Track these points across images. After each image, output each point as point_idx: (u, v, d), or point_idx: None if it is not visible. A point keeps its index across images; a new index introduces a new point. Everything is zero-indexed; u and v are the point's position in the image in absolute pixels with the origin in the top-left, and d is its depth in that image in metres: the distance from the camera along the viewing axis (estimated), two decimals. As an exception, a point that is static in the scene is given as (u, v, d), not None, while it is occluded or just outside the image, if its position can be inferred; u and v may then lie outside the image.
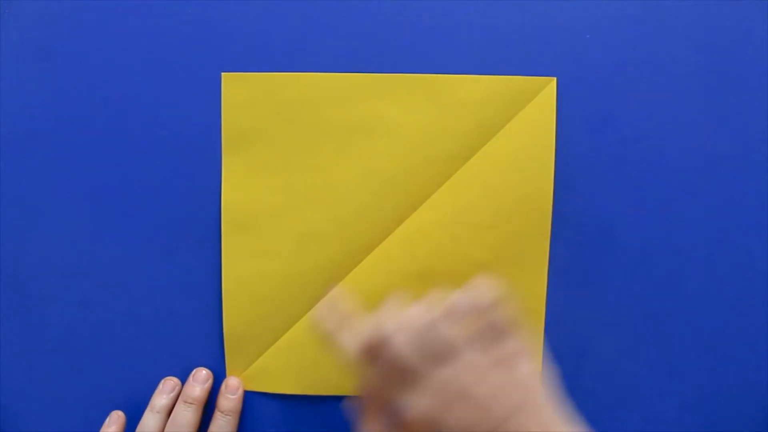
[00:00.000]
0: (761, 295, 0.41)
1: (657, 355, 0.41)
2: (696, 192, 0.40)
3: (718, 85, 0.40)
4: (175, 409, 0.40)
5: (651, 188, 0.40)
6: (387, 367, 0.30)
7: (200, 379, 0.41)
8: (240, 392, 0.41)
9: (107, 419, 0.41)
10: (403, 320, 0.31)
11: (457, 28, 0.40)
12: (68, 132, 0.42)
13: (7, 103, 0.42)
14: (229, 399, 0.40)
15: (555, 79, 0.39)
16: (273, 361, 0.41)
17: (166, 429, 0.39)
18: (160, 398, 0.40)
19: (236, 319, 0.41)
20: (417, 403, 0.30)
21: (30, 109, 0.42)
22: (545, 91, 0.39)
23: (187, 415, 0.39)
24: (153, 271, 0.42)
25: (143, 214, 0.42)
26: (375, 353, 0.31)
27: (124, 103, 0.41)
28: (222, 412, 0.40)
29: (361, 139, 0.40)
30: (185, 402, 0.40)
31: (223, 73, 0.40)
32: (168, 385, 0.41)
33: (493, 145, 0.39)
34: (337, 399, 0.41)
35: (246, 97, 0.40)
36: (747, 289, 0.41)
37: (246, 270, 0.41)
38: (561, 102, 0.40)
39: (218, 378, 0.42)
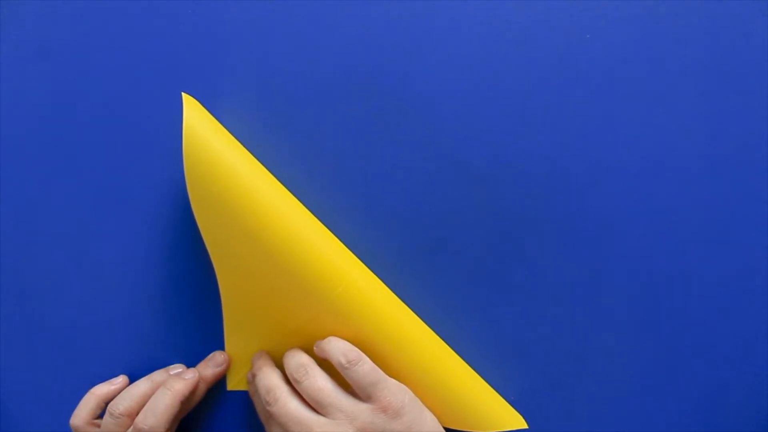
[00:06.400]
0: (761, 295, 0.41)
1: (657, 355, 0.41)
2: (696, 192, 0.41)
3: (718, 85, 0.40)
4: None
5: (651, 188, 0.41)
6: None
7: (215, 361, 0.41)
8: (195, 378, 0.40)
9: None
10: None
11: (456, 27, 0.40)
12: (68, 132, 0.42)
13: (7, 103, 0.42)
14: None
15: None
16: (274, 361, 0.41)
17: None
18: (162, 373, 0.40)
19: (236, 319, 0.41)
20: None
21: (30, 109, 0.42)
22: None
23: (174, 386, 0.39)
24: (153, 271, 0.42)
25: (143, 214, 0.42)
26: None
27: (124, 103, 0.41)
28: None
29: None
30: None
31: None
32: (175, 368, 0.41)
33: None
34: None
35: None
36: (747, 289, 0.41)
37: (243, 270, 0.40)
38: (561, 101, 0.40)
39: (219, 380, 0.42)
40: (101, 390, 0.40)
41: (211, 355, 0.41)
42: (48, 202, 0.42)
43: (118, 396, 0.39)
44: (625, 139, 0.40)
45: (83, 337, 0.42)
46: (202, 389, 0.40)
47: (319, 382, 0.37)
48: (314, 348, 0.39)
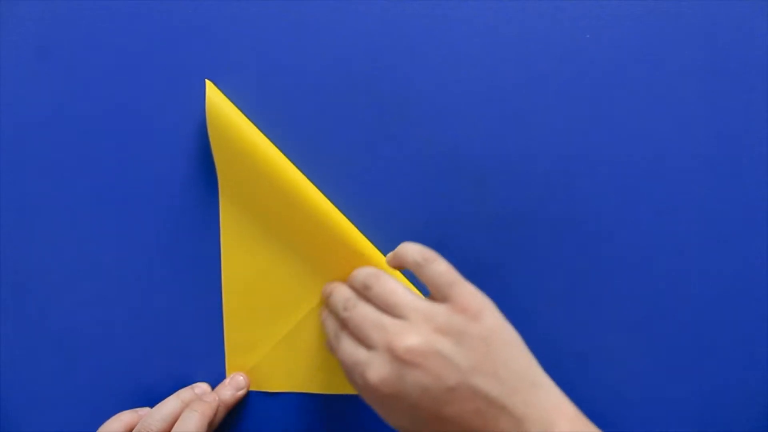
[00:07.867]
0: (761, 295, 0.41)
1: (657, 355, 0.41)
2: (695, 192, 0.41)
3: (718, 85, 0.40)
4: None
5: (651, 188, 0.41)
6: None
7: (236, 384, 0.41)
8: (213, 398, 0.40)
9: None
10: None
11: (456, 27, 0.40)
12: (68, 132, 0.42)
13: (6, 103, 0.42)
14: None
15: None
16: (274, 361, 0.41)
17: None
18: (189, 392, 0.40)
19: (236, 319, 0.41)
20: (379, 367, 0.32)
21: (29, 108, 0.42)
22: None
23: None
24: (153, 271, 0.42)
25: (143, 214, 0.42)
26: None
27: (123, 102, 0.41)
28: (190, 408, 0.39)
29: None
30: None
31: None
32: (200, 387, 0.41)
33: None
34: (338, 397, 0.41)
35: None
36: (747, 289, 0.41)
37: (245, 270, 0.41)
38: (561, 101, 0.40)
39: (217, 378, 0.42)
40: (129, 417, 0.39)
41: (231, 376, 0.41)
42: (47, 202, 0.42)
43: (149, 415, 0.38)
44: (625, 139, 0.40)
45: (83, 336, 0.42)
46: (222, 412, 0.40)
47: (391, 284, 0.34)
48: (386, 262, 0.37)
